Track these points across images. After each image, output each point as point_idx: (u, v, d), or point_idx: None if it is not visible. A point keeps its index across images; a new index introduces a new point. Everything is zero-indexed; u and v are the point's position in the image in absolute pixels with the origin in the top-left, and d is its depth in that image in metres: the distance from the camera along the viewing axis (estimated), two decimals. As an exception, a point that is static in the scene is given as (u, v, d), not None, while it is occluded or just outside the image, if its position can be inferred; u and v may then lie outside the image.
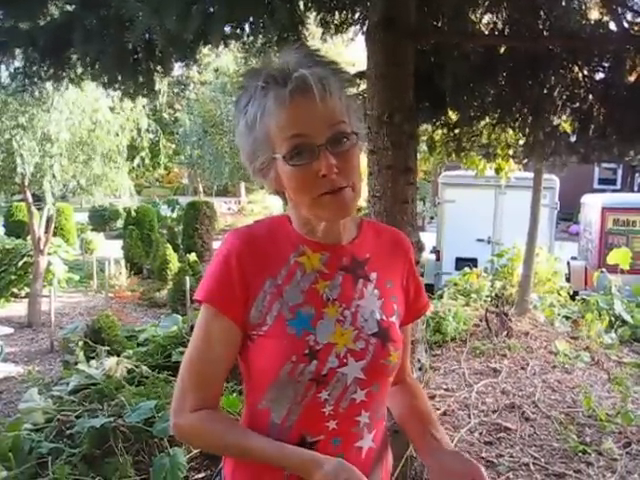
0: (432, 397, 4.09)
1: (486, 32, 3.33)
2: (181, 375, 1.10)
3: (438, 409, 3.96)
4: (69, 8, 2.99)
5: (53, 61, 3.18)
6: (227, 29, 2.95)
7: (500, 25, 3.25)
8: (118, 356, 4.55)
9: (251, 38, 3.09)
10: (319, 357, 1.02)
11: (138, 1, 2.14)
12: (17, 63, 3.27)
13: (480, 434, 3.69)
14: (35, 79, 3.30)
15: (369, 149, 2.73)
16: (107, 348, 5.24)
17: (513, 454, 3.48)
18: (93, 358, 4.87)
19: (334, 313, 1.07)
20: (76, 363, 4.84)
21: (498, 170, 5.29)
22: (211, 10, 2.40)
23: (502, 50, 3.38)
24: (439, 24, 3.32)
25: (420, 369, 2.82)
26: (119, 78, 3.05)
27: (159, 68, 3.05)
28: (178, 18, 2.11)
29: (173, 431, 1.12)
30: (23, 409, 3.50)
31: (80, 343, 5.49)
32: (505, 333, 5.42)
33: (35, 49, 3.06)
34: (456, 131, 4.13)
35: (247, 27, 3.03)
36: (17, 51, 3.11)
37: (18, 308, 9.96)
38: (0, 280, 10.45)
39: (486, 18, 3.35)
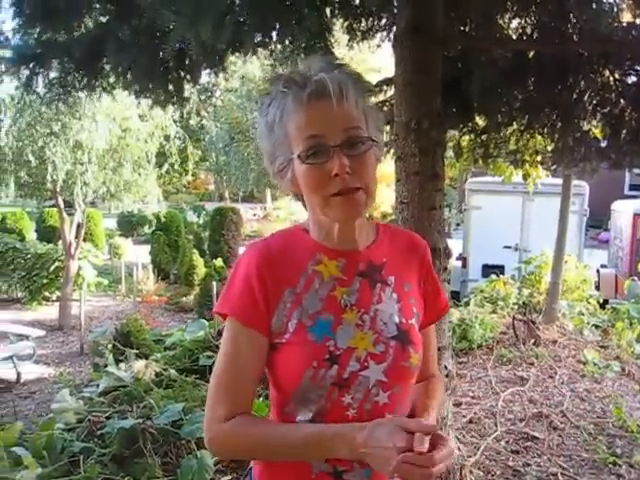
0: (458, 404, 4.07)
1: (514, 37, 3.32)
2: (210, 391, 1.11)
3: (464, 416, 3.93)
4: (103, 20, 3.08)
5: (87, 71, 3.27)
6: (256, 37, 3.00)
7: (529, 30, 3.24)
8: (146, 359, 4.62)
9: (279, 46, 3.13)
10: (340, 362, 1.04)
11: (174, 13, 2.19)
12: (52, 74, 3.38)
13: (507, 442, 3.65)
14: (70, 89, 3.40)
15: (397, 155, 2.75)
16: (135, 351, 5.31)
17: (541, 463, 3.43)
18: (122, 361, 4.94)
19: (353, 318, 1.08)
20: (105, 365, 4.91)
21: (526, 176, 5.24)
22: (243, 20, 2.44)
23: (531, 55, 3.36)
24: (466, 30, 3.32)
25: (447, 376, 2.81)
26: (150, 87, 3.11)
27: (189, 76, 3.11)
28: (213, 29, 2.16)
29: (208, 447, 1.12)
30: (56, 409, 3.57)
31: (109, 346, 5.60)
32: (532, 341, 5.36)
33: (70, 60, 3.16)
34: (483, 137, 4.12)
35: (275, 35, 3.07)
36: (53, 62, 3.20)
37: (50, 311, 10.18)
38: (33, 284, 10.69)
39: (514, 23, 3.34)
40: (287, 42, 3.03)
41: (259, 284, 1.07)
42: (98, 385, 4.25)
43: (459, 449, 3.23)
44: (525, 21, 3.25)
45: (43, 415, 4.97)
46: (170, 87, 3.29)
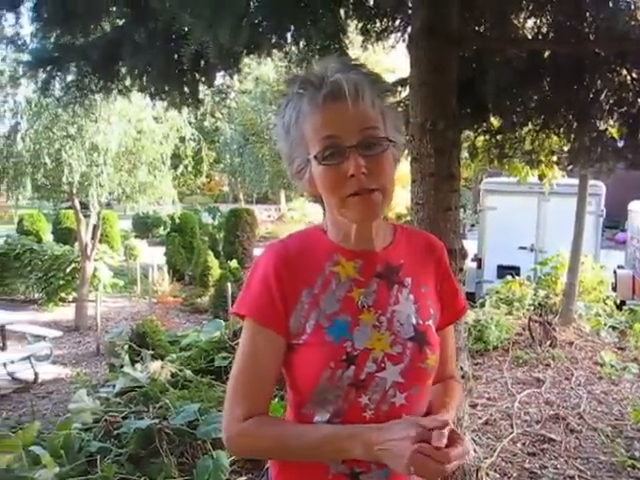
0: (474, 406, 4.05)
1: (530, 37, 3.30)
2: (229, 391, 1.12)
3: (480, 418, 3.91)
4: (119, 23, 3.11)
5: (103, 74, 3.31)
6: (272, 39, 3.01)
7: (544, 29, 3.22)
8: (162, 360, 4.65)
9: (293, 47, 3.14)
10: (356, 362, 1.04)
11: (191, 16, 2.21)
12: (69, 77, 3.42)
13: (523, 444, 3.63)
14: (86, 91, 3.44)
15: (412, 157, 2.74)
16: (151, 352, 5.34)
17: (558, 466, 3.41)
18: (138, 362, 4.97)
19: (370, 319, 1.08)
20: (121, 366, 4.95)
21: (541, 177, 5.21)
22: (259, 22, 2.45)
23: (546, 54, 3.34)
24: (481, 30, 3.31)
25: (463, 377, 2.80)
26: (166, 89, 3.13)
27: (204, 78, 3.13)
28: (230, 31, 2.17)
29: (227, 446, 1.13)
30: (73, 409, 3.61)
31: (125, 347, 5.63)
32: (549, 343, 5.32)
33: (87, 63, 3.20)
34: (498, 137, 4.09)
35: (290, 36, 3.08)
36: (70, 65, 3.24)
37: (66, 312, 10.28)
38: (49, 285, 10.80)
39: (530, 22, 3.32)
40: (302, 43, 3.04)
41: (277, 284, 1.07)
42: (114, 385, 4.29)
43: (475, 451, 3.21)
44: (540, 20, 3.22)
45: (60, 415, 5.00)
46: (185, 89, 3.31)
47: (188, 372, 4.31)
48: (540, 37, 3.23)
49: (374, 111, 1.03)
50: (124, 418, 3.49)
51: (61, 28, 2.91)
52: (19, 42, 3.46)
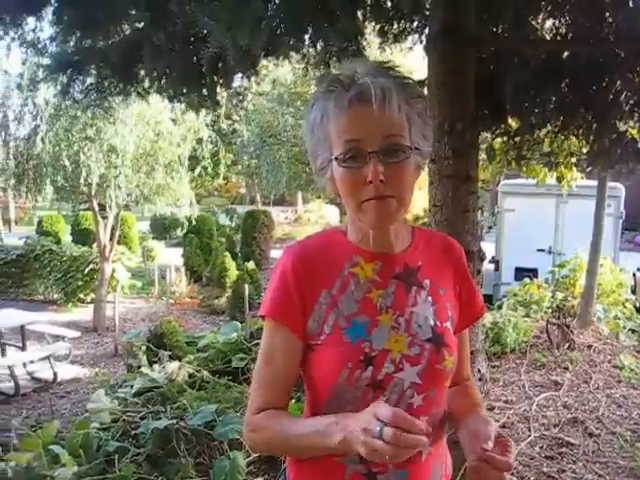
0: (491, 409, 4.02)
1: (548, 37, 3.27)
2: (251, 387, 1.15)
3: (497, 421, 3.88)
4: (139, 26, 3.14)
5: (123, 76, 3.34)
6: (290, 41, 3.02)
7: (563, 30, 3.19)
8: (179, 361, 4.68)
9: (311, 49, 3.15)
10: (374, 363, 1.05)
11: (211, 19, 2.23)
12: (89, 80, 3.45)
13: (541, 448, 3.60)
14: (105, 94, 3.47)
15: (430, 158, 2.73)
16: (169, 353, 5.39)
17: (576, 470, 3.37)
18: (155, 362, 5.02)
19: (388, 320, 1.09)
20: (139, 367, 5.00)
21: (560, 179, 5.16)
22: (278, 24, 2.46)
23: (565, 55, 3.31)
24: (499, 31, 3.29)
25: (480, 379, 2.78)
26: (184, 91, 3.16)
27: (222, 81, 3.15)
28: (249, 34, 2.19)
29: (246, 443, 1.19)
30: (91, 409, 3.65)
31: (143, 347, 5.68)
32: (567, 345, 5.27)
33: (106, 66, 3.23)
34: (516, 139, 4.06)
35: (307, 38, 3.09)
36: (90, 68, 3.28)
37: (84, 313, 10.39)
38: (68, 286, 10.93)
39: (548, 23, 3.30)
40: (319, 45, 3.04)
41: (295, 284, 1.08)
42: (132, 386, 4.33)
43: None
44: (559, 21, 3.20)
45: (79, 414, 5.07)
46: (204, 91, 3.33)
47: (205, 373, 4.33)
48: (559, 38, 3.20)
49: (400, 117, 1.03)
50: (142, 418, 3.52)
51: (81, 31, 2.94)
52: (39, 46, 3.50)
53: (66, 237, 15.51)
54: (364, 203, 1.04)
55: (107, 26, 2.87)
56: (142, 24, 3.08)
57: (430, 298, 1.14)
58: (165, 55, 2.81)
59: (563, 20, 3.17)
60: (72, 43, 3.22)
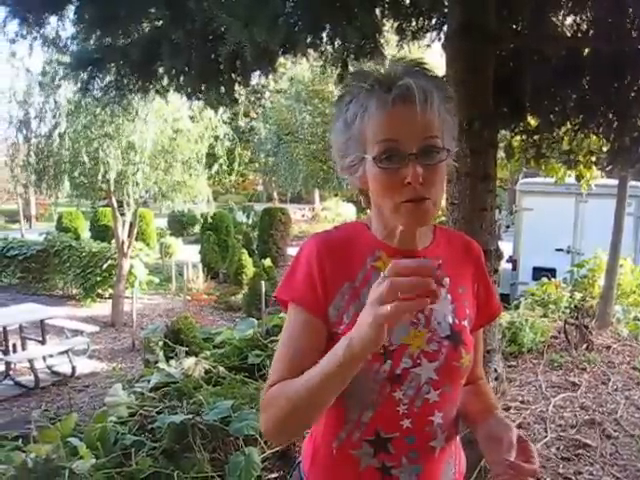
0: (507, 409, 3.99)
1: (569, 34, 3.24)
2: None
3: (513, 421, 3.85)
4: (158, 24, 3.16)
5: (142, 74, 3.37)
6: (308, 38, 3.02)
7: (584, 26, 3.16)
8: (196, 357, 4.71)
9: (329, 47, 3.14)
10: (393, 357, 1.05)
11: (229, 16, 2.24)
12: (108, 77, 3.49)
13: (557, 449, 3.56)
14: (125, 91, 3.51)
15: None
16: (185, 349, 5.43)
17: (593, 472, 3.33)
18: (172, 358, 5.06)
19: (408, 315, 1.09)
20: (156, 362, 5.04)
21: (579, 177, 5.10)
22: (295, 20, 2.47)
23: (586, 52, 3.27)
24: (519, 28, 3.26)
25: (496, 379, 2.77)
26: (202, 89, 3.17)
27: (240, 78, 3.16)
28: (267, 30, 2.19)
29: (261, 428, 1.14)
30: (109, 402, 3.68)
31: (160, 343, 5.73)
32: (585, 346, 5.21)
33: (126, 63, 3.26)
34: (535, 137, 4.03)
35: (325, 36, 3.08)
36: (110, 66, 3.31)
37: (103, 308, 10.51)
38: (87, 281, 11.06)
39: (569, 20, 3.26)
40: (337, 43, 3.04)
41: (318, 269, 1.08)
42: (149, 381, 4.35)
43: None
44: (580, 17, 3.17)
45: (96, 408, 5.13)
46: (222, 89, 3.35)
47: (222, 369, 4.34)
48: (579, 35, 3.17)
49: (438, 119, 1.02)
50: (158, 413, 3.54)
51: (102, 30, 2.97)
52: (60, 44, 3.54)
53: (85, 233, 15.69)
54: (402, 204, 1.03)
55: (127, 24, 2.90)
56: (161, 22, 3.10)
57: (449, 296, 1.14)
58: (183, 53, 2.83)
59: (584, 16, 3.14)
60: (92, 41, 3.26)
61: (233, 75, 3.10)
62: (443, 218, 2.81)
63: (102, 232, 14.54)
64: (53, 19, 3.17)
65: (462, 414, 1.19)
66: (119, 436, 3.32)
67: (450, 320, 1.12)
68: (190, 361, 4.36)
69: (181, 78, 3.19)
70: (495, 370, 2.75)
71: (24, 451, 3.03)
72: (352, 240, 1.15)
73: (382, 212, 1.10)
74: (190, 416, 3.26)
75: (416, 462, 1.05)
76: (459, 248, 1.22)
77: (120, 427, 3.44)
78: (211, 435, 3.23)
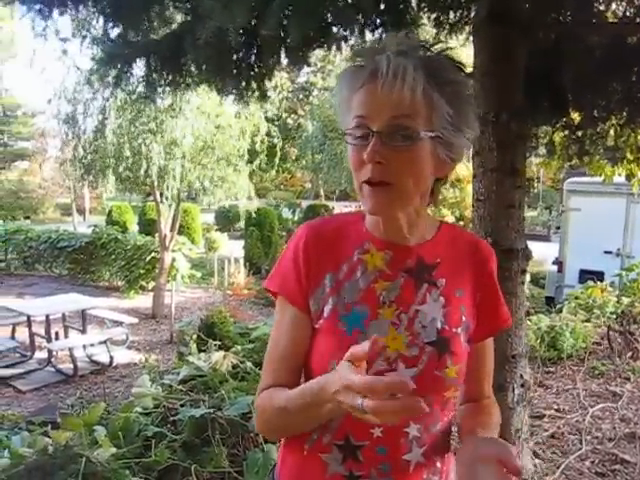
0: (541, 417, 3.83)
1: (614, 21, 3.06)
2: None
3: (546, 430, 3.69)
4: (186, 18, 3.16)
5: (171, 68, 3.37)
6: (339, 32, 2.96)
7: (630, 12, 2.97)
8: (227, 351, 4.71)
9: (359, 40, 3.07)
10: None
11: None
12: (139, 72, 3.51)
13: (592, 463, 3.37)
14: (155, 86, 3.52)
15: (474, 150, 2.61)
16: (218, 342, 5.44)
17: (630, 489, 3.15)
18: (204, 351, 5.08)
19: (389, 315, 1.02)
20: (189, 354, 5.07)
21: (630, 176, 4.85)
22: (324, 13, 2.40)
23: (633, 41, 3.08)
24: (559, 16, 3.10)
25: (523, 386, 2.63)
26: (227, 82, 3.15)
27: (264, 71, 3.12)
28: (249, 13, 2.12)
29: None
30: (135, 393, 3.72)
31: (194, 336, 5.77)
32: (630, 354, 4.96)
33: (155, 58, 3.27)
34: (578, 133, 3.84)
35: (357, 29, 3.01)
36: (140, 61, 3.33)
37: (145, 300, 10.73)
38: (131, 273, 11.32)
39: (613, 5, 3.08)
40: (372, 37, 2.96)
41: (304, 258, 1.05)
42: (179, 373, 4.38)
43: (535, 465, 3.02)
44: (626, 3, 2.99)
45: (129, 398, 5.21)
46: (253, 84, 3.31)
47: (249, 364, 4.33)
48: (626, 21, 2.99)
49: (415, 99, 0.93)
50: (182, 405, 3.55)
51: (128, 25, 2.98)
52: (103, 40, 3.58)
53: (133, 227, 16.09)
54: (362, 185, 0.98)
55: (153, 19, 2.91)
56: (188, 17, 3.10)
57: (442, 299, 1.05)
58: (205, 46, 2.79)
59: (631, 2, 2.96)
60: (123, 36, 3.28)
61: (255, 68, 3.05)
62: (470, 214, 2.69)
63: (149, 226, 14.87)
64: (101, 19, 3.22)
65: (458, 433, 1.10)
66: (142, 427, 3.35)
67: (438, 325, 1.03)
68: (218, 355, 4.35)
69: (203, 71, 3.18)
70: (521, 376, 2.61)
71: (50, 437, 3.09)
72: (344, 230, 1.09)
73: None
74: (210, 410, 3.25)
75: (387, 475, 0.97)
76: (465, 249, 1.12)
77: (144, 418, 3.47)
78: (230, 430, 3.21)
